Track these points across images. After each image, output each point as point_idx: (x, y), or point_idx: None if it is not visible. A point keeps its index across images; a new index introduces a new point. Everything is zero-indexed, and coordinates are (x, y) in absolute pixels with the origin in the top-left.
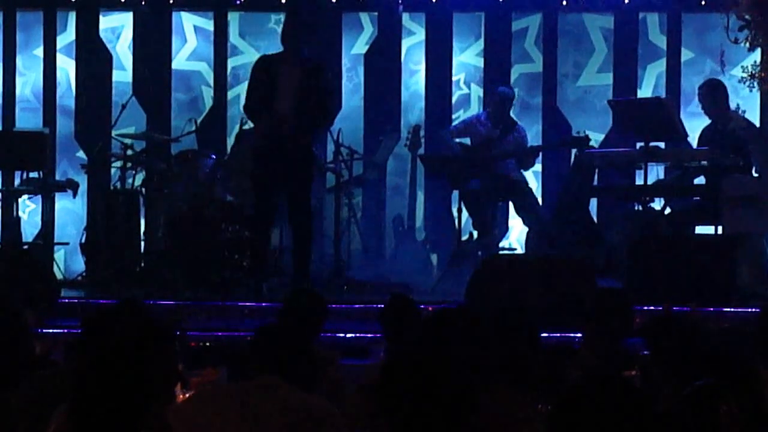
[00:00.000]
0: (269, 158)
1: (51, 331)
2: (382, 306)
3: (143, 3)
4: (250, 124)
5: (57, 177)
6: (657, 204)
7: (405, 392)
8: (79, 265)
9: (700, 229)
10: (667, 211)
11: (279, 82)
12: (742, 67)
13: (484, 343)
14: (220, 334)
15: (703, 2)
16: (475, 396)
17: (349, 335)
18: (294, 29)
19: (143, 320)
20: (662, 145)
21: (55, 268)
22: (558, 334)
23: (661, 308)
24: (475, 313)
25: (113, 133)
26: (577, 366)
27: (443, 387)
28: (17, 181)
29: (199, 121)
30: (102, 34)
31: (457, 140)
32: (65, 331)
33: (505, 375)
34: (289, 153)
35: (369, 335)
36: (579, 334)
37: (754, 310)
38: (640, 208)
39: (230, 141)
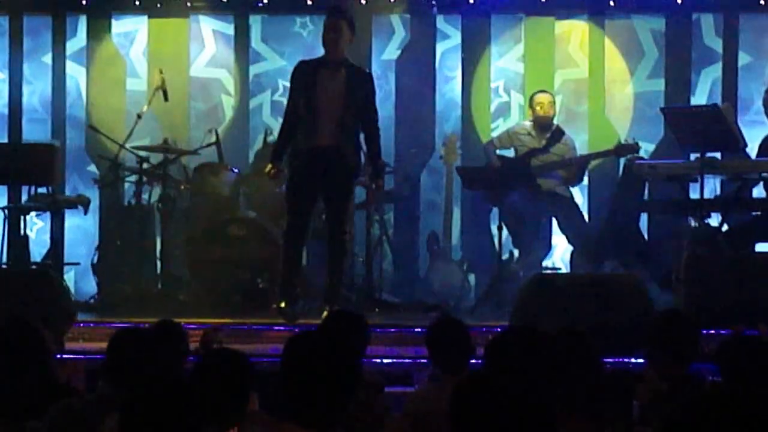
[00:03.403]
0: (308, 170)
1: (68, 356)
2: (418, 329)
3: (159, 6)
4: (274, 136)
5: (67, 192)
6: (714, 219)
7: (484, 421)
8: (91, 286)
9: (761, 247)
10: (725, 227)
11: (320, 89)
12: None
13: (552, 368)
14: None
15: (762, 2)
16: (554, 424)
17: (385, 360)
18: (336, 29)
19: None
20: (719, 155)
21: None
22: (613, 359)
23: (724, 331)
24: (543, 336)
25: (127, 145)
26: (644, 392)
27: (525, 415)
28: (24, 197)
29: (219, 132)
30: (115, 40)
31: (499, 152)
32: (82, 356)
33: (571, 401)
34: (329, 164)
35: (406, 360)
36: (634, 359)
37: None
38: (696, 224)
39: (253, 153)
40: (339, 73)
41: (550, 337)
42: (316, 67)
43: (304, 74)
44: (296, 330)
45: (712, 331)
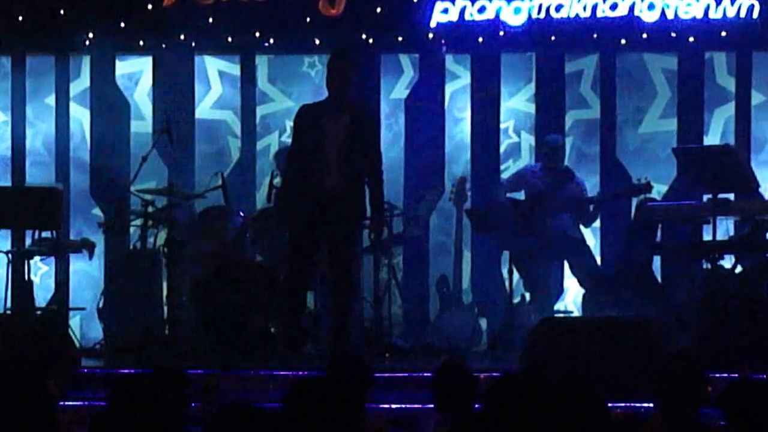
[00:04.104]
0: (311, 214)
1: (71, 403)
2: (428, 375)
3: (163, 47)
4: (279, 179)
5: (71, 237)
6: (727, 261)
7: None
8: (97, 332)
9: None
10: (738, 269)
11: (324, 132)
12: None
13: (553, 414)
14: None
15: None
16: None
17: (393, 406)
18: (341, 71)
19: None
20: (732, 196)
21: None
22: (624, 404)
23: (735, 375)
24: (541, 381)
25: (132, 188)
26: None
27: None
28: (28, 242)
29: (225, 174)
30: (119, 81)
31: (509, 195)
32: (85, 403)
33: None
34: (334, 208)
35: (415, 406)
36: (646, 404)
37: None
38: (709, 266)
39: (260, 196)
40: (343, 115)
41: (552, 383)
42: (320, 110)
43: (307, 118)
44: (301, 375)
45: (725, 375)
